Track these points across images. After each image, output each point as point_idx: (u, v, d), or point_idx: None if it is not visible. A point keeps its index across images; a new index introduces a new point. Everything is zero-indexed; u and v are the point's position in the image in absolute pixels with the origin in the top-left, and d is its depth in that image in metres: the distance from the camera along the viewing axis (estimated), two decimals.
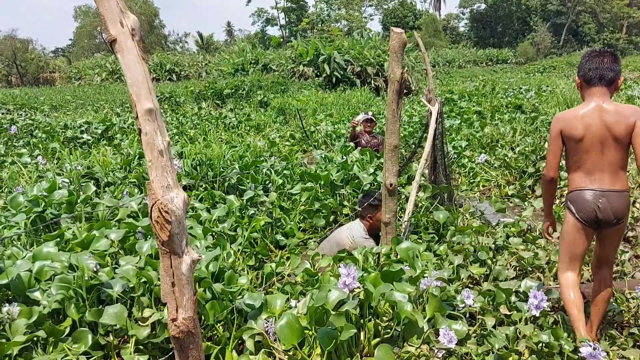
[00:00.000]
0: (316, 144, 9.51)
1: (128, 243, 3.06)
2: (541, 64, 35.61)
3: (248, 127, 11.96)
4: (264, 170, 5.55)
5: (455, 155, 7.04)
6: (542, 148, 6.69)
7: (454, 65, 42.03)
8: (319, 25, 57.69)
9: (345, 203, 5.06)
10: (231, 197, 4.54)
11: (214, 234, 3.66)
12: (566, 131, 2.42)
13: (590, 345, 2.06)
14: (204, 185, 5.10)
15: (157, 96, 14.21)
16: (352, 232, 4.11)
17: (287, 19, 63.77)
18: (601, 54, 2.47)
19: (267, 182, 5.51)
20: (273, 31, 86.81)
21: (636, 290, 2.79)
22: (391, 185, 3.62)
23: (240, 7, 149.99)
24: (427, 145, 4.74)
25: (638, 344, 2.54)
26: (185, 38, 70.82)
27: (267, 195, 4.98)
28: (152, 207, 1.56)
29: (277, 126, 12.11)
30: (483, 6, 59.72)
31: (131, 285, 2.50)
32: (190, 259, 1.69)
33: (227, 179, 5.23)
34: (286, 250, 4.17)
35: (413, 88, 21.87)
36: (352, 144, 7.15)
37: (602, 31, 55.04)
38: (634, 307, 2.84)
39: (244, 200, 4.59)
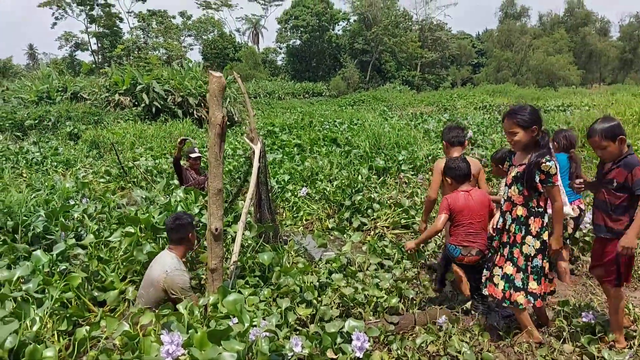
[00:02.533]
0: (135, 180, 8.98)
1: None
2: (352, 98, 38.87)
3: (55, 163, 10.80)
4: (75, 215, 5.05)
5: (279, 190, 7.25)
6: (357, 181, 7.24)
7: (274, 97, 43.61)
8: (136, 52, 55.28)
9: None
10: (37, 252, 4.00)
11: (14, 299, 3.18)
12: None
13: None
14: (1, 238, 4.43)
15: None
16: (165, 266, 3.69)
17: (99, 45, 59.88)
18: (457, 128, 4.33)
19: (80, 228, 5.03)
20: (84, 56, 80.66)
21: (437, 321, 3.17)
22: (216, 229, 3.57)
23: (45, 28, 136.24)
24: (252, 183, 4.80)
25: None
26: None
27: (80, 246, 4.53)
28: None
29: (90, 161, 11.15)
30: (298, 42, 63.31)
31: None
32: None
33: (32, 228, 4.63)
34: (107, 307, 3.79)
35: (236, 119, 22.10)
36: (175, 180, 6.88)
37: (400, 69, 62.27)
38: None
39: (54, 255, 4.08)
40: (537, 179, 3.12)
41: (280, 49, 67.87)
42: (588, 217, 4.70)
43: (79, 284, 3.63)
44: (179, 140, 6.57)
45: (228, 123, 19.81)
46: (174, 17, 65.39)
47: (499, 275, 3.35)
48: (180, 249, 3.89)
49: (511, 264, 3.29)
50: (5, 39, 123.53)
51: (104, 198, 6.00)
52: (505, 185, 3.40)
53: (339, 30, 66.14)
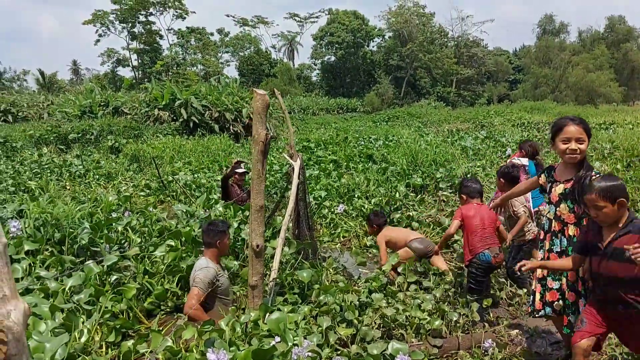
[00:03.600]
0: (174, 194, 9.14)
1: None
2: (386, 114, 38.76)
3: (97, 176, 11.12)
4: (119, 228, 5.15)
5: (316, 206, 7.25)
6: (395, 199, 7.17)
7: (308, 113, 43.91)
8: (175, 68, 56.76)
9: None
10: (89, 262, 4.09)
11: (64, 310, 3.25)
12: None
13: None
14: (49, 249, 4.56)
15: None
16: (195, 267, 4.07)
17: (139, 61, 61.69)
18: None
19: (123, 241, 5.13)
20: (124, 72, 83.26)
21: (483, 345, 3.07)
22: (257, 246, 3.58)
23: (88, 45, 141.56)
24: (291, 200, 4.81)
25: None
26: (24, 76, 64.72)
27: (125, 257, 4.62)
28: None
29: (130, 174, 11.43)
30: (333, 58, 63.75)
31: None
32: None
33: (78, 240, 4.74)
34: (157, 319, 3.84)
35: (271, 134, 22.31)
36: (215, 195, 6.97)
37: (435, 85, 61.88)
38: None
39: (105, 267, 4.17)
40: None
41: (315, 65, 68.50)
42: None
43: (131, 295, 3.72)
44: (234, 161, 6.96)
45: None
46: (211, 34, 66.98)
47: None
48: (210, 252, 4.17)
49: (574, 292, 3.08)
50: (51, 55, 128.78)
51: (146, 211, 6.12)
52: (549, 203, 3.23)
53: (373, 47, 66.38)
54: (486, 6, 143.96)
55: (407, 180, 8.81)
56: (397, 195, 7.61)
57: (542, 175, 3.32)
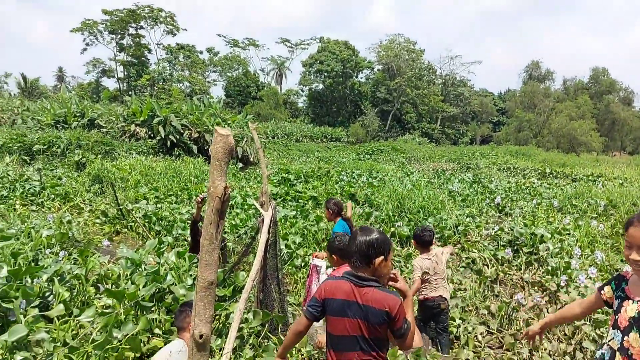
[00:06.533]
0: (132, 225, 8.18)
1: None
2: (370, 146, 38.19)
3: (53, 195, 10.07)
4: (44, 277, 4.20)
5: (288, 255, 6.36)
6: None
7: (292, 139, 43.22)
8: (160, 83, 55.86)
9: (157, 331, 3.95)
10: None
11: None
12: None
13: None
14: None
15: None
16: (170, 346, 3.35)
17: (126, 73, 60.66)
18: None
19: (48, 293, 4.17)
20: (110, 83, 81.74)
21: None
22: (201, 336, 2.69)
23: (76, 52, 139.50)
24: (257, 259, 3.94)
25: None
26: (5, 78, 62.85)
27: (44, 315, 3.68)
28: None
29: (90, 197, 10.41)
30: (321, 86, 63.61)
31: None
32: None
33: None
34: None
35: (251, 159, 21.44)
36: (188, 236, 6.02)
37: (421, 121, 61.98)
38: None
39: (7, 341, 3.20)
40: None
41: (302, 91, 68.26)
42: None
43: None
44: (197, 198, 5.41)
45: (241, 165, 19.01)
46: (201, 52, 66.36)
47: None
48: (185, 336, 3.38)
49: None
50: (38, 61, 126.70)
51: (86, 251, 5.12)
52: (614, 327, 2.32)
53: (362, 78, 66.56)
54: (476, 47, 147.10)
55: (392, 229, 8.00)
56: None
57: (608, 287, 2.43)
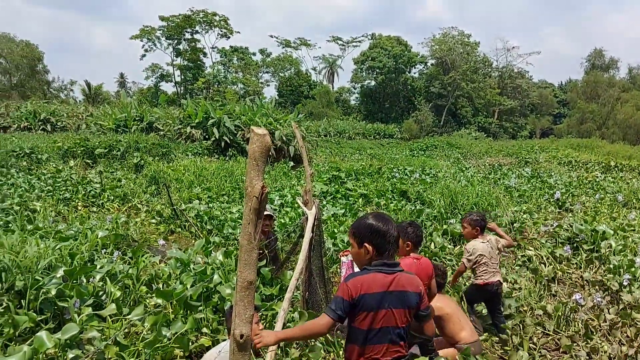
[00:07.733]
0: (186, 224, 8.37)
1: None
2: (424, 142, 37.47)
3: (113, 197, 10.47)
4: (97, 277, 4.34)
5: (336, 255, 6.30)
6: (429, 252, 6.19)
7: (344, 136, 43.13)
8: (215, 86, 57.27)
9: (204, 330, 4.00)
10: (42, 333, 3.25)
11: None
12: None
13: None
14: (4, 304, 3.76)
15: (15, 151, 12.05)
16: (219, 347, 3.32)
17: (182, 77, 62.57)
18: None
19: (101, 293, 4.31)
20: (168, 87, 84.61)
21: None
22: (242, 336, 2.68)
23: (136, 58, 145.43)
24: (301, 258, 3.91)
25: None
26: (71, 86, 66.33)
27: (98, 316, 3.81)
28: None
29: (147, 197, 10.75)
30: (373, 83, 63.11)
31: None
32: None
33: (44, 292, 3.94)
34: None
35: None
36: (239, 236, 6.06)
37: (477, 115, 60.30)
38: None
39: (61, 339, 3.32)
40: None
41: (355, 89, 68.00)
42: None
43: None
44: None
45: (292, 164, 18.93)
46: (254, 54, 67.57)
47: None
48: None
49: None
50: (101, 68, 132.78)
51: (139, 252, 5.28)
52: None
53: (415, 73, 65.46)
54: (533, 38, 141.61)
55: (444, 227, 7.78)
56: (433, 246, 6.61)
57: None
